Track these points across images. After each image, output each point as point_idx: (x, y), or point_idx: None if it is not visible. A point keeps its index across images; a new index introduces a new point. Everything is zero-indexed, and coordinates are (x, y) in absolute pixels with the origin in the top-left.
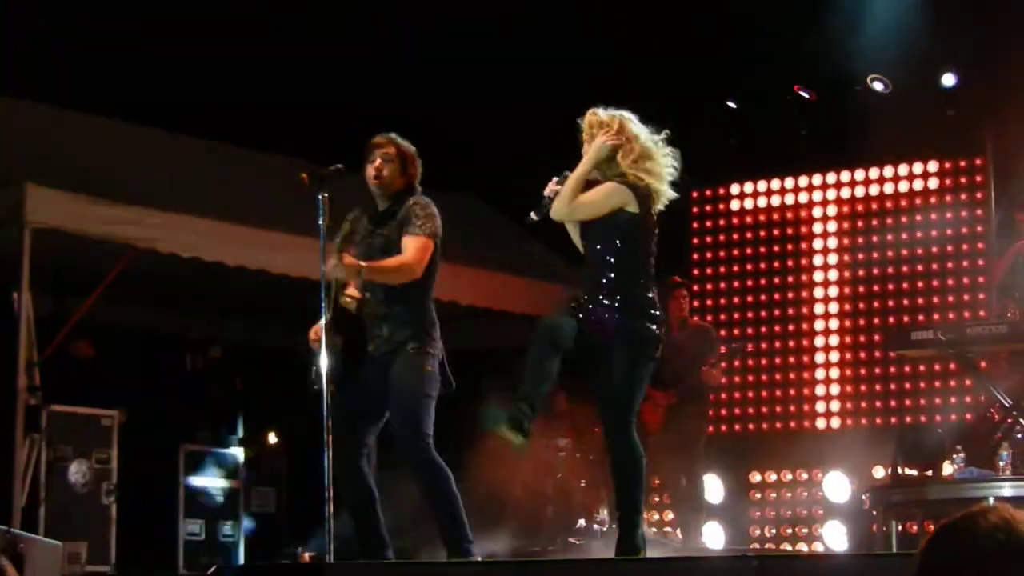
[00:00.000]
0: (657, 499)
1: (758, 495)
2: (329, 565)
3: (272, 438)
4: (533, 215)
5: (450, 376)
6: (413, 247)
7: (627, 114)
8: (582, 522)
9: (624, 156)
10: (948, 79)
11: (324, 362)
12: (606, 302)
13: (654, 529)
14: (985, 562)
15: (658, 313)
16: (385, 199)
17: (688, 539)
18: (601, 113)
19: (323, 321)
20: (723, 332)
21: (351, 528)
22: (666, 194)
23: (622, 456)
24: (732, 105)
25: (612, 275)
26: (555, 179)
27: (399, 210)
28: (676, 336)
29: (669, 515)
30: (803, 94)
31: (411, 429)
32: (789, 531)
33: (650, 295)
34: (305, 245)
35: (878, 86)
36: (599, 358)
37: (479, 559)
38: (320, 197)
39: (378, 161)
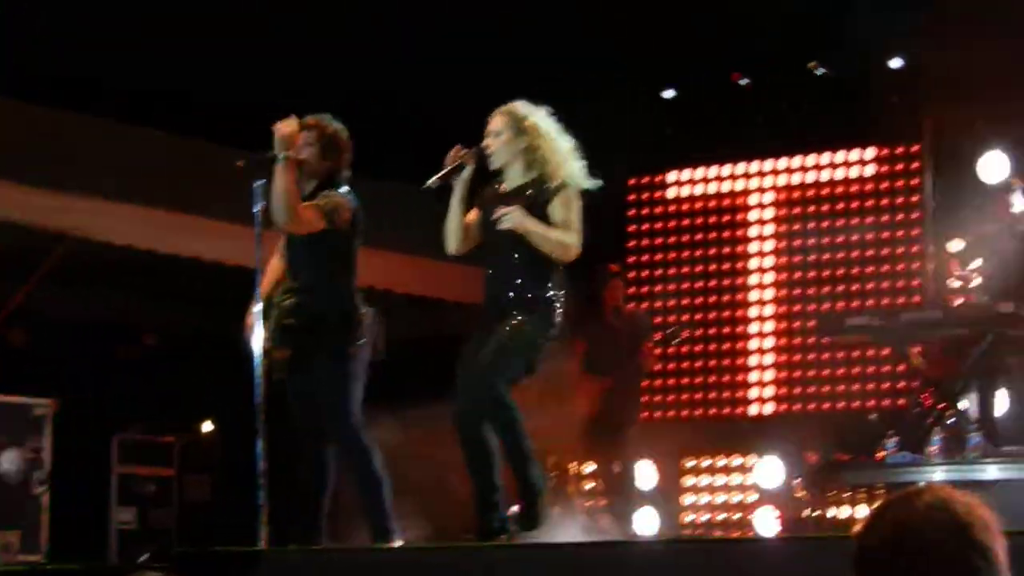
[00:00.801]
0: (591, 485)
1: (691, 481)
2: (264, 552)
3: (207, 426)
4: (430, 182)
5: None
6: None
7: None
8: (515, 508)
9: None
10: (895, 62)
11: (256, 346)
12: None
13: (585, 516)
14: (923, 541)
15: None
16: (309, 182)
17: (620, 526)
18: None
19: (255, 308)
20: (658, 319)
21: (290, 512)
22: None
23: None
24: (668, 95)
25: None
26: (459, 147)
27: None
28: (610, 323)
29: (603, 502)
30: (741, 81)
31: (338, 411)
32: (722, 517)
33: None
34: (239, 232)
35: (819, 71)
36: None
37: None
38: (256, 184)
39: (299, 139)
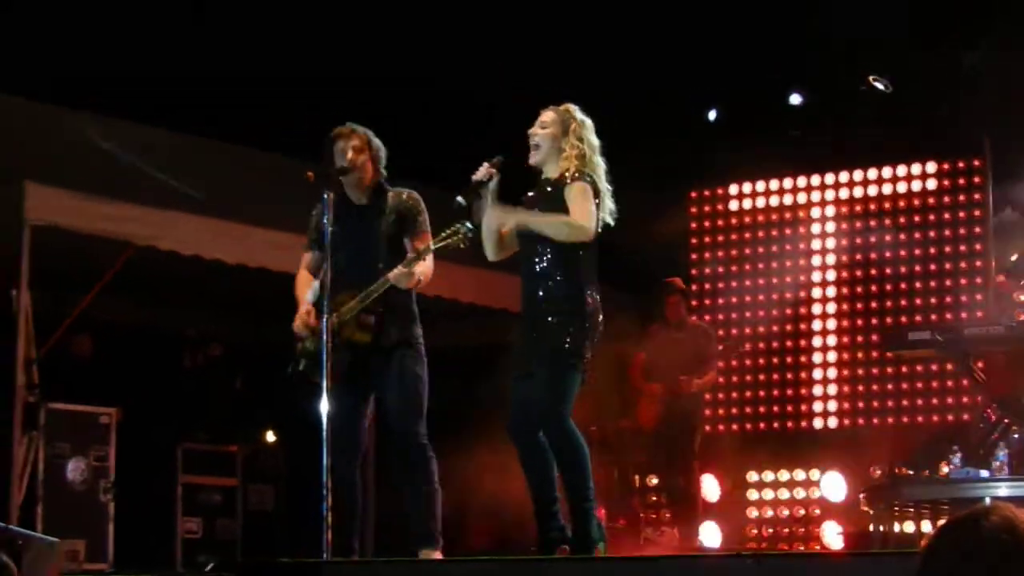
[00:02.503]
0: (654, 498)
1: (755, 494)
2: (326, 563)
3: (270, 436)
4: (460, 199)
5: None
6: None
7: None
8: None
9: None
10: (953, 76)
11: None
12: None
13: (650, 528)
14: (989, 562)
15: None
16: (360, 190)
17: (684, 539)
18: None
19: (324, 321)
20: (721, 332)
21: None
22: None
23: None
24: (711, 115)
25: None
26: (487, 163)
27: (387, 202)
28: (673, 335)
29: (667, 515)
30: (794, 99)
31: (415, 417)
32: (786, 531)
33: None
34: (303, 243)
35: (879, 86)
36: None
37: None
38: (325, 195)
39: (351, 154)
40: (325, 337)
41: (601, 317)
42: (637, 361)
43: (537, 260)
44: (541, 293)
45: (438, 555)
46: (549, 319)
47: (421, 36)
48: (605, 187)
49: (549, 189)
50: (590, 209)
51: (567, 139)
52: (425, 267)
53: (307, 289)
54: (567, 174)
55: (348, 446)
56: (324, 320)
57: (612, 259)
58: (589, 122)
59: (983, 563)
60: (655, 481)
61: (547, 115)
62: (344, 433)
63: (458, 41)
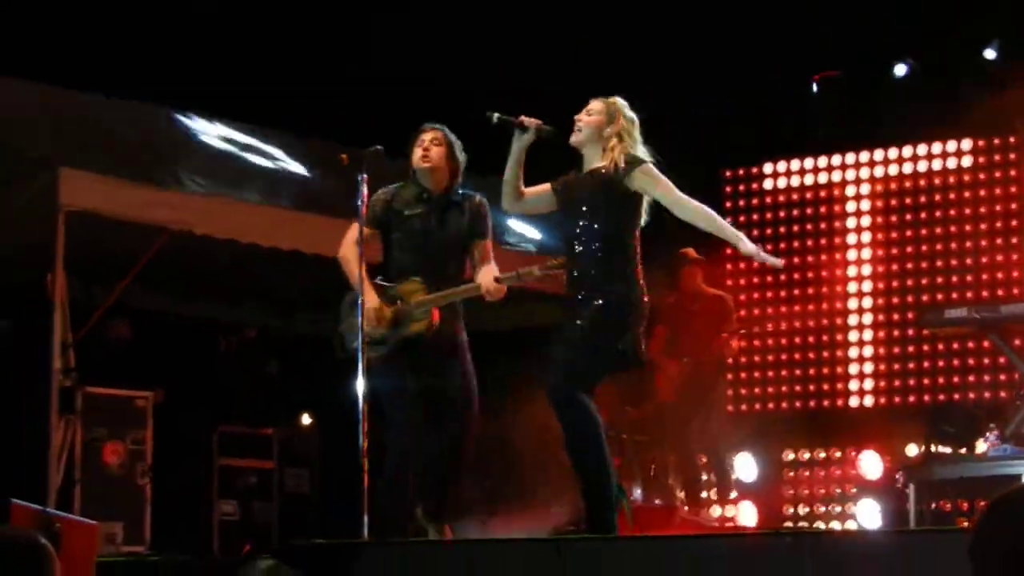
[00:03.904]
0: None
1: (791, 473)
2: (366, 544)
3: (305, 419)
4: (497, 116)
5: None
6: (491, 253)
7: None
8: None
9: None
10: (989, 54)
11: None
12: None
13: (687, 507)
14: None
15: None
16: (434, 183)
17: (702, 512)
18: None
19: (362, 303)
20: (757, 311)
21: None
22: None
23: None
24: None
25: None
26: (540, 121)
27: (462, 203)
28: (690, 307)
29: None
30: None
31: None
32: (822, 509)
33: None
34: (339, 227)
35: (901, 68)
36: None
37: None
38: (360, 177)
39: (426, 143)
40: (360, 319)
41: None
42: (658, 335)
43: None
44: (590, 277)
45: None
46: (594, 301)
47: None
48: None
49: (601, 177)
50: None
51: (612, 127)
52: (488, 274)
53: (356, 265)
54: (619, 164)
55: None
56: (359, 303)
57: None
58: (636, 120)
59: None
60: (674, 458)
61: (595, 104)
62: (403, 412)
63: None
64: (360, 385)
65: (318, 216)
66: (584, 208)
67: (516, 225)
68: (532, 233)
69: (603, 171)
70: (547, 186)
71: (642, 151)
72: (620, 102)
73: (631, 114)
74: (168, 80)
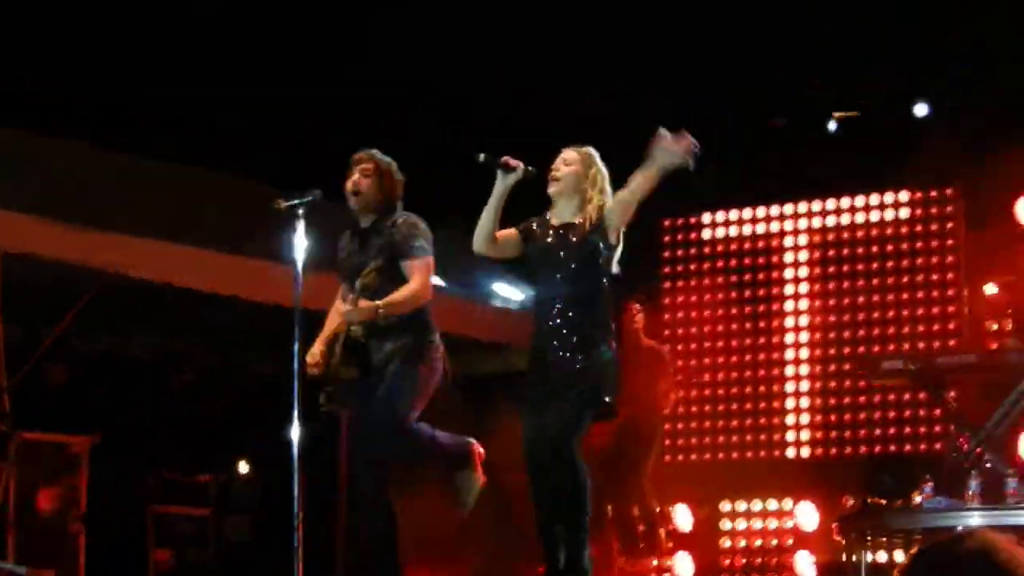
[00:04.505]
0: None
1: (728, 524)
2: None
3: (244, 466)
4: (483, 156)
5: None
6: (419, 271)
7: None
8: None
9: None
10: (921, 109)
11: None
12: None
13: (623, 558)
14: None
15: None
16: (366, 216)
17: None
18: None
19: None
20: (694, 361)
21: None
22: None
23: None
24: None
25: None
26: (524, 165)
27: (384, 228)
28: (629, 357)
29: (641, 544)
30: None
31: (389, 414)
32: (759, 560)
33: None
34: (276, 272)
35: (835, 122)
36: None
37: None
38: (295, 223)
39: (356, 175)
40: (296, 363)
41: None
42: None
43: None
44: (564, 328)
45: None
46: (568, 354)
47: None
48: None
49: (578, 235)
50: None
51: (587, 182)
52: (401, 295)
53: (332, 323)
54: (594, 219)
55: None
56: (295, 345)
57: None
58: (606, 172)
59: None
60: (610, 508)
61: (570, 154)
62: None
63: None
64: (295, 431)
65: (255, 260)
66: (562, 269)
67: (500, 288)
68: (516, 295)
69: (579, 228)
70: (513, 231)
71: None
72: (592, 152)
73: (602, 166)
74: (104, 118)
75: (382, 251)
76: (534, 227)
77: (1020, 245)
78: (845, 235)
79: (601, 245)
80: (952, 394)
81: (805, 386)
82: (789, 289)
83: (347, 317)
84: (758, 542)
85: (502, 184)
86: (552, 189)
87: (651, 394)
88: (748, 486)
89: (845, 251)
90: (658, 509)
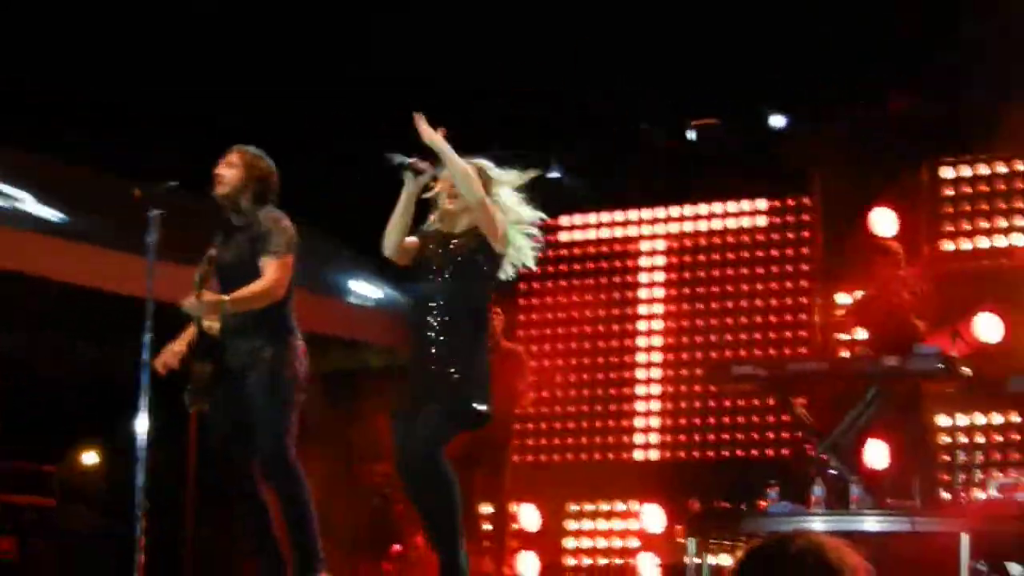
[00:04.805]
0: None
1: (574, 525)
2: None
3: (91, 457)
4: (398, 158)
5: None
6: (273, 268)
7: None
8: (398, 547)
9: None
10: (777, 120)
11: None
12: None
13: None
14: None
15: None
16: (233, 210)
17: (496, 568)
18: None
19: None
20: (547, 362)
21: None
22: None
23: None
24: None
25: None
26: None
27: (251, 223)
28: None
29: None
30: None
31: (272, 437)
32: (604, 562)
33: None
34: (129, 263)
35: (693, 130)
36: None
37: None
38: (152, 214)
39: (220, 167)
40: (146, 354)
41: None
42: None
43: None
44: (441, 336)
45: None
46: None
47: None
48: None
49: (462, 245)
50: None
51: (486, 197)
52: (250, 290)
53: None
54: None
55: (233, 468)
56: (146, 336)
57: None
58: (499, 177)
59: None
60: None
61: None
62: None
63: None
64: (141, 423)
65: (107, 250)
66: (443, 277)
67: (357, 286)
68: (375, 292)
69: (463, 239)
70: (415, 239)
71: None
72: (481, 162)
73: (494, 172)
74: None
75: (242, 247)
76: (427, 236)
77: (875, 256)
78: (702, 241)
79: (480, 252)
80: (801, 401)
81: (656, 390)
82: (644, 293)
83: (189, 310)
84: (603, 543)
85: (413, 187)
86: (449, 205)
87: (507, 395)
88: (595, 487)
89: (701, 257)
90: (506, 508)
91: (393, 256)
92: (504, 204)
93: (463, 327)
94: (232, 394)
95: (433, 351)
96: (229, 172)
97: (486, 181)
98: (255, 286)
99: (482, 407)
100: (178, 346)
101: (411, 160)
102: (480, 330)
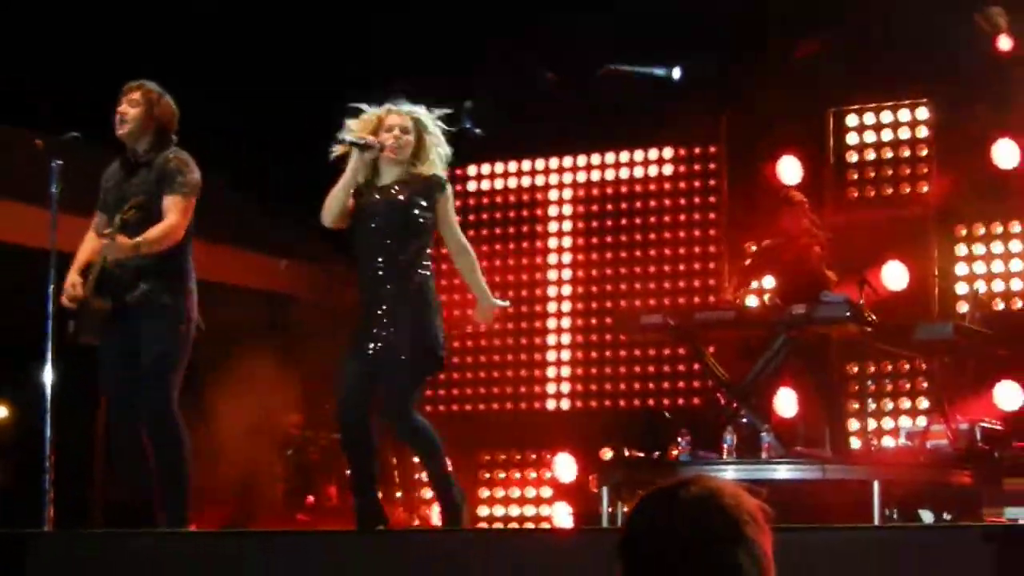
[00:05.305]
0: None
1: (487, 475)
2: (35, 535)
3: (1, 410)
4: (349, 137)
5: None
6: (178, 209)
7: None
8: (311, 499)
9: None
10: (676, 72)
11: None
12: None
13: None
14: (690, 532)
15: None
16: (135, 146)
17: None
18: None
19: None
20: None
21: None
22: None
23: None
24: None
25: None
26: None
27: (154, 161)
28: None
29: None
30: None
31: (158, 385)
32: (517, 511)
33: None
34: (31, 213)
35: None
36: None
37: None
38: (53, 164)
39: (123, 106)
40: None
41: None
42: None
43: None
44: (391, 289)
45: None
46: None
47: None
48: None
49: (412, 185)
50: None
51: (420, 142)
52: (158, 231)
53: (85, 252)
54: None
55: (120, 410)
56: (50, 287)
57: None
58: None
59: (684, 531)
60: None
61: (402, 119)
62: (113, 397)
63: None
64: (48, 374)
65: (4, 201)
66: (387, 231)
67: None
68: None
69: (404, 191)
70: (352, 201)
71: (440, 166)
72: (423, 114)
73: (428, 120)
74: None
75: (148, 186)
76: (362, 193)
77: (782, 205)
78: (609, 191)
79: (430, 210)
80: (711, 350)
81: (567, 339)
82: (553, 243)
83: (105, 253)
84: (516, 492)
85: (359, 160)
86: (395, 159)
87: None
88: (508, 437)
89: (609, 206)
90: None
91: (332, 225)
92: (439, 138)
93: (412, 273)
94: (125, 334)
95: (384, 307)
96: (132, 110)
97: (426, 134)
98: (161, 227)
99: (440, 352)
100: (73, 277)
101: (360, 136)
102: (428, 273)
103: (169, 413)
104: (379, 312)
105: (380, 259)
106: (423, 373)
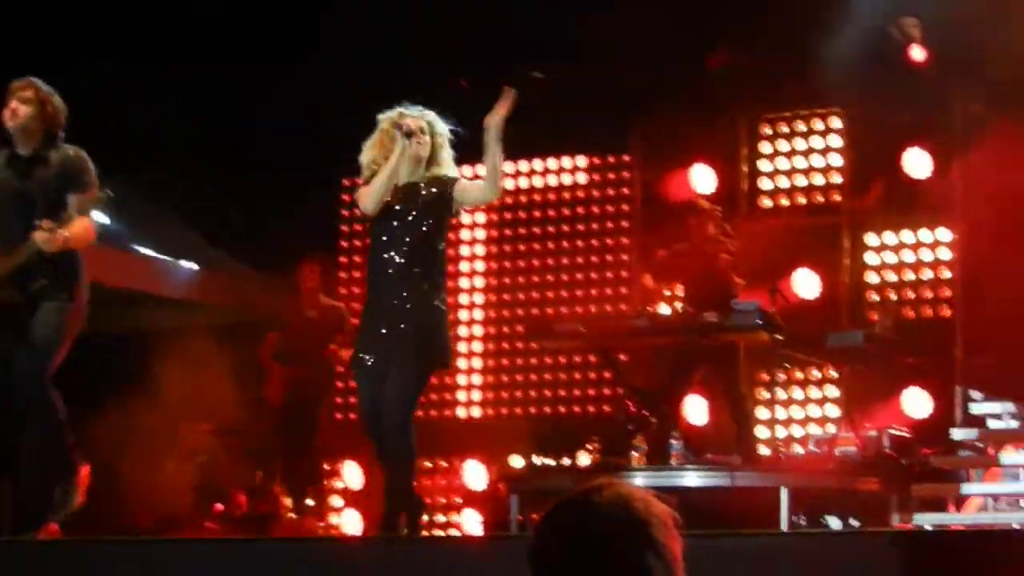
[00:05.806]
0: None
1: None
2: None
3: None
4: (404, 131)
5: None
6: (89, 206)
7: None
8: (220, 506)
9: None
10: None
11: None
12: None
13: (292, 514)
14: (600, 537)
15: None
16: (26, 143)
17: (323, 524)
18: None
19: None
20: None
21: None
22: None
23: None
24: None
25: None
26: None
27: (50, 157)
28: (307, 314)
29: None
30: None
31: (41, 372)
32: (426, 518)
33: None
34: None
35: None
36: None
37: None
38: None
39: (14, 103)
40: None
41: None
42: (269, 341)
43: None
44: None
45: None
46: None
47: None
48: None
49: (435, 190)
50: None
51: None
52: (80, 228)
53: None
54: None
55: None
56: None
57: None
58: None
59: (594, 537)
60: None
61: (420, 123)
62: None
63: None
64: None
65: None
66: (404, 230)
67: (181, 243)
68: (201, 252)
69: (424, 191)
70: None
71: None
72: (434, 119)
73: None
74: None
75: (49, 182)
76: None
77: (693, 212)
78: (523, 198)
79: (441, 212)
80: (622, 357)
81: (478, 347)
82: (465, 251)
83: (41, 244)
84: (427, 500)
85: (403, 151)
86: (418, 160)
87: (326, 352)
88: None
89: (521, 214)
90: (327, 467)
91: (374, 213)
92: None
93: (424, 278)
94: (19, 325)
95: (395, 302)
96: (24, 107)
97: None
98: (83, 225)
99: (448, 354)
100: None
101: (406, 127)
102: (444, 273)
103: (44, 383)
104: (389, 308)
105: (395, 256)
106: (428, 371)
